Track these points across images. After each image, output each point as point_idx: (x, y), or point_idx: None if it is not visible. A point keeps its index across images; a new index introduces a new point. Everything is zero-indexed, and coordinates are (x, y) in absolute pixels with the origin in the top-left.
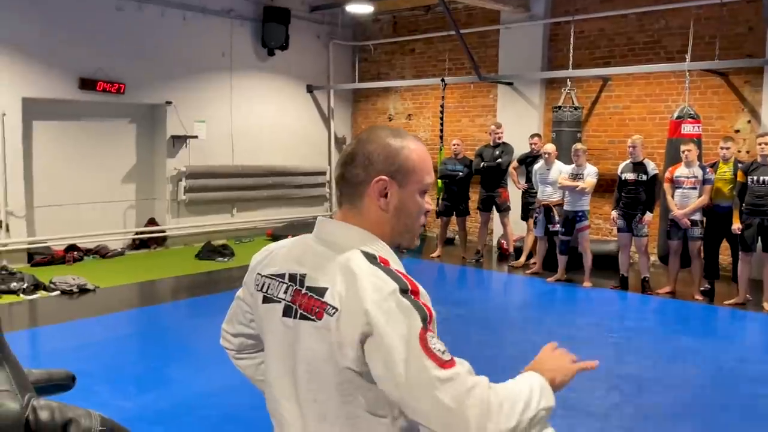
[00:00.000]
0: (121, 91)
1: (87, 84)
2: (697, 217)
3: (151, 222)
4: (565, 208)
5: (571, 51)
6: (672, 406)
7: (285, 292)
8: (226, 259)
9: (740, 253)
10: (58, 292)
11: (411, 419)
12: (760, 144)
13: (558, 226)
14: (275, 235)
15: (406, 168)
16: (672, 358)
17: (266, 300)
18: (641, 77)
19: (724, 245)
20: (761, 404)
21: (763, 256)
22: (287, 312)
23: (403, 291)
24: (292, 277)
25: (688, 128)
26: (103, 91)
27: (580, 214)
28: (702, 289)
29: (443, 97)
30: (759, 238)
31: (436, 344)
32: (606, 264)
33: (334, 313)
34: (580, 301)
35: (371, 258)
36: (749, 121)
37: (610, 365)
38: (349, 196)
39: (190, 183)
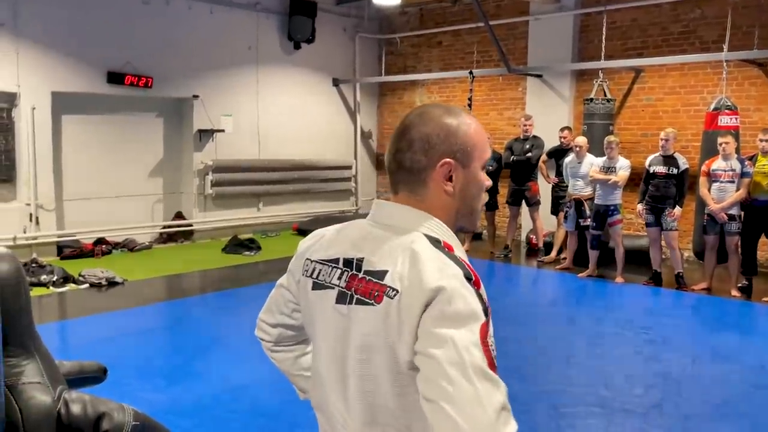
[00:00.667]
0: (149, 85)
1: (115, 78)
2: (734, 211)
3: (178, 216)
4: (596, 201)
5: (603, 42)
6: (714, 405)
7: (339, 278)
8: (252, 253)
9: None
10: (87, 285)
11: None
12: None
13: (589, 220)
14: (301, 229)
15: (468, 146)
16: (711, 356)
17: (317, 286)
18: (675, 68)
19: (763, 240)
20: None
21: None
22: (341, 299)
23: (467, 278)
24: (348, 262)
25: (725, 120)
26: (130, 85)
27: (611, 208)
28: (739, 285)
29: (471, 89)
30: None
31: (493, 345)
32: (638, 259)
33: (394, 295)
34: (613, 297)
35: (435, 242)
36: None
37: (648, 363)
38: (408, 184)
39: (217, 177)
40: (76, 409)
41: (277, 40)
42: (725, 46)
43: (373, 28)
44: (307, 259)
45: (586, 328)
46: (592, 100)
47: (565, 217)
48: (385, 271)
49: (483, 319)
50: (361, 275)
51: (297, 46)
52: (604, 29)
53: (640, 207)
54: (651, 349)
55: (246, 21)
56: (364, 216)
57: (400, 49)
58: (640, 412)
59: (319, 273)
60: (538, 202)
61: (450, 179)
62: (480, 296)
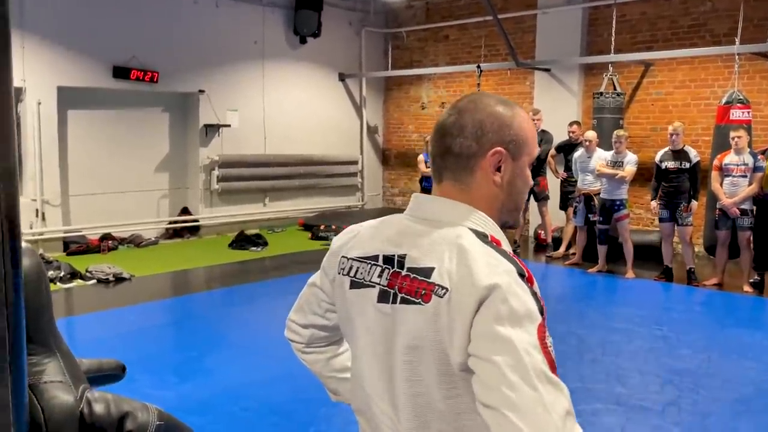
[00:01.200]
0: (155, 79)
1: (120, 72)
2: (746, 206)
3: (184, 211)
4: (602, 196)
5: (613, 35)
6: (732, 402)
7: (380, 276)
8: (259, 249)
9: None
10: (94, 281)
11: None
12: None
13: (598, 215)
14: (307, 224)
15: (520, 139)
16: (726, 353)
17: (355, 285)
18: (685, 62)
19: None
20: None
21: None
22: (383, 297)
23: (521, 275)
24: (388, 259)
25: (737, 114)
26: (136, 79)
27: (618, 203)
28: (751, 280)
29: (479, 84)
30: None
31: (551, 345)
32: (647, 254)
33: (444, 293)
34: (624, 292)
35: (482, 236)
36: None
37: (663, 359)
38: (455, 171)
39: (223, 172)
40: (99, 408)
41: (282, 35)
42: (737, 39)
43: (379, 22)
44: (343, 256)
45: (598, 324)
46: (601, 94)
47: (575, 213)
48: (431, 268)
49: (540, 318)
50: (404, 273)
51: (303, 41)
52: (613, 22)
53: (654, 204)
54: (665, 345)
55: (252, 15)
56: (371, 211)
57: (407, 44)
58: (658, 409)
59: (357, 271)
60: (546, 197)
61: (499, 170)
62: (534, 294)
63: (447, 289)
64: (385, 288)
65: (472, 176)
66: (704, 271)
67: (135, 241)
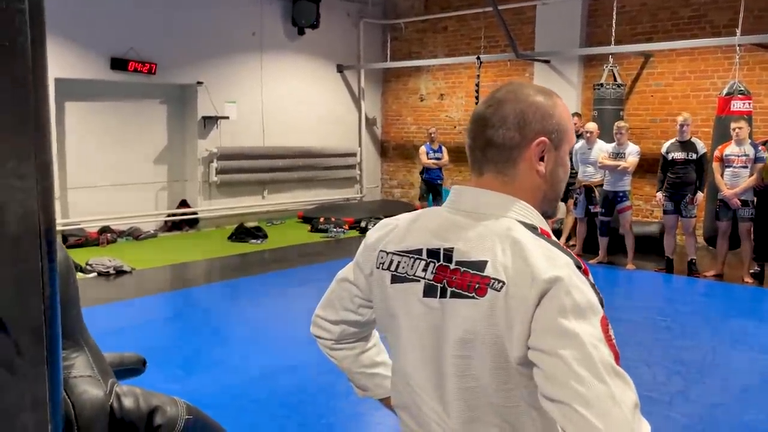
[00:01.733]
0: (153, 71)
1: (118, 64)
2: (747, 197)
3: (183, 204)
4: (605, 188)
5: (613, 26)
6: (741, 391)
7: (424, 270)
8: (259, 242)
9: None
10: (94, 274)
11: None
12: None
13: (599, 207)
14: (306, 217)
15: (562, 128)
16: (731, 343)
17: (397, 279)
18: (685, 53)
19: None
20: None
21: None
22: (430, 292)
23: (578, 267)
24: (433, 253)
25: (738, 105)
26: (134, 71)
27: (620, 194)
28: (752, 271)
29: (478, 75)
30: None
31: (614, 338)
32: (648, 246)
33: (501, 287)
34: (625, 283)
35: (532, 228)
36: None
37: (668, 350)
38: (497, 163)
39: (222, 164)
40: (128, 403)
41: (281, 26)
42: (738, 30)
43: (378, 13)
44: (381, 251)
45: None
46: (602, 85)
47: (575, 204)
48: (484, 261)
49: (601, 311)
50: (453, 266)
51: (301, 32)
52: (613, 13)
53: (659, 195)
54: (669, 336)
55: (250, 6)
56: (369, 203)
57: (405, 35)
58: (666, 400)
59: (398, 265)
60: None
61: (542, 159)
62: (593, 286)
63: (504, 283)
64: (432, 282)
65: (515, 168)
66: (704, 261)
67: (134, 234)
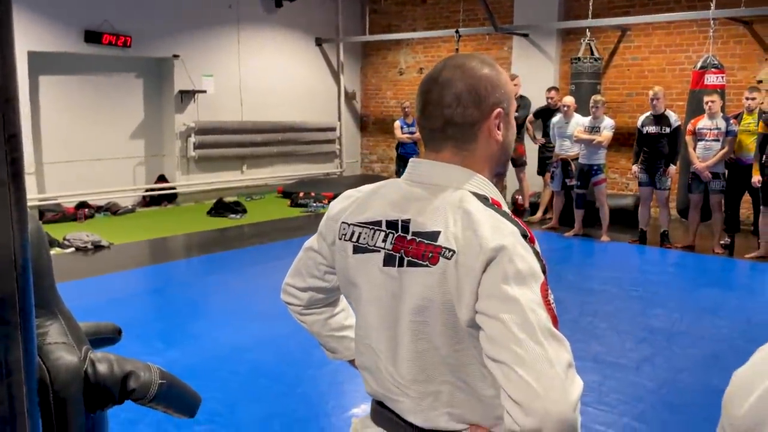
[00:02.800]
0: (127, 44)
1: (92, 37)
2: (718, 169)
3: (161, 179)
4: (581, 161)
5: (591, 0)
6: (705, 358)
7: (384, 240)
8: (238, 216)
9: (762, 206)
10: (72, 249)
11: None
12: None
13: (575, 180)
14: (286, 191)
15: (508, 94)
16: (699, 312)
17: (358, 250)
18: (661, 27)
19: (745, 198)
20: None
21: None
22: (389, 261)
23: (524, 236)
24: (392, 224)
25: (711, 79)
26: (108, 44)
27: (595, 167)
28: (722, 242)
29: (457, 49)
30: None
31: (553, 303)
32: (622, 218)
33: (451, 255)
34: (600, 255)
35: (483, 199)
36: None
37: (638, 318)
38: (458, 140)
39: (200, 139)
40: (102, 368)
41: None
42: (712, 4)
43: None
44: (343, 222)
45: (575, 286)
46: (579, 59)
47: (552, 178)
48: (437, 232)
49: (542, 277)
50: (409, 237)
51: (278, 4)
52: None
53: (635, 168)
54: (640, 306)
55: None
56: (349, 178)
57: (384, 8)
58: (633, 366)
59: (359, 236)
60: (524, 163)
61: (499, 128)
62: (537, 253)
63: (454, 251)
64: (391, 252)
65: (475, 141)
66: (677, 233)
67: (112, 209)
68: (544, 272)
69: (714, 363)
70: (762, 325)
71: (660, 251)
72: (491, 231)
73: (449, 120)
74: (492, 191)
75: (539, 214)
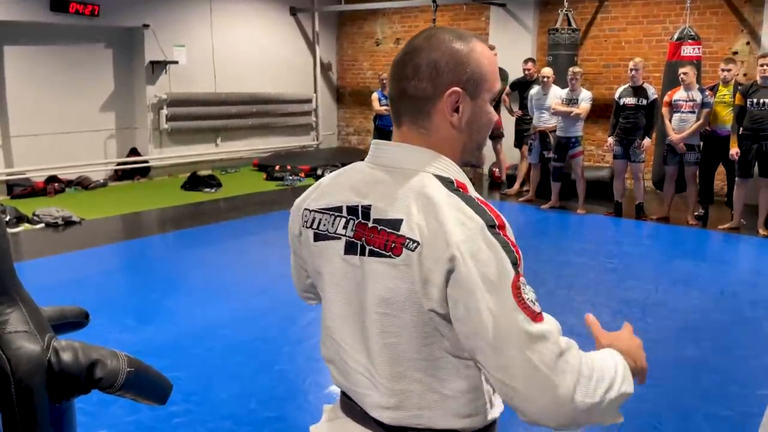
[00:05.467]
0: (95, 13)
1: (58, 5)
2: (693, 141)
3: (133, 152)
4: (558, 134)
5: None
6: (678, 329)
7: (345, 227)
8: (213, 190)
9: (737, 178)
10: (42, 225)
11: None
12: (761, 65)
13: (552, 152)
14: (261, 165)
15: (478, 75)
16: (673, 283)
17: (319, 237)
18: None
19: (719, 170)
20: (765, 326)
21: (758, 180)
22: (350, 249)
23: (490, 226)
24: (353, 210)
25: (688, 50)
26: (75, 13)
27: (573, 140)
28: (696, 214)
29: (434, 19)
30: (756, 163)
31: (528, 293)
32: (599, 190)
33: (415, 247)
34: (576, 227)
35: (447, 183)
36: (748, 43)
37: (613, 290)
38: (412, 115)
39: (172, 111)
40: (67, 357)
41: None
42: None
43: None
44: (305, 209)
45: (551, 259)
46: (557, 30)
47: (530, 150)
48: (399, 220)
49: (512, 273)
50: (371, 224)
51: None
52: None
53: (610, 140)
54: (615, 278)
55: None
56: (326, 150)
57: None
58: None
59: (320, 223)
60: (501, 135)
61: (457, 110)
62: (507, 245)
63: (418, 243)
64: (352, 239)
65: (429, 120)
66: (652, 205)
67: (83, 184)
68: (517, 263)
69: (687, 335)
70: (733, 295)
71: (635, 223)
72: (453, 225)
73: (403, 91)
74: (457, 173)
75: (516, 186)
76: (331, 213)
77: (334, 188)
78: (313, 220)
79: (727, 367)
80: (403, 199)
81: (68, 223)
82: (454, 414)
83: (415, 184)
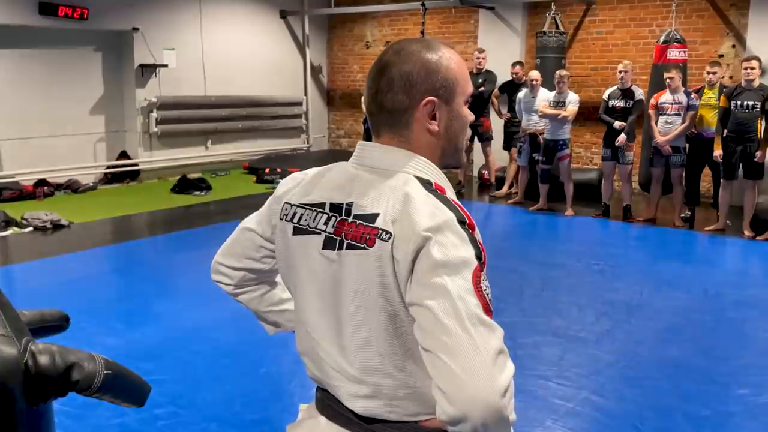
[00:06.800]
0: (84, 16)
1: (47, 9)
2: (679, 143)
3: (123, 155)
4: (546, 136)
5: None
6: (662, 330)
7: (326, 223)
8: (203, 193)
9: (722, 180)
10: (30, 229)
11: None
12: (745, 68)
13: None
14: (252, 167)
15: (450, 81)
16: (658, 284)
17: (299, 231)
18: (625, 1)
19: (705, 172)
20: (748, 327)
21: (743, 182)
22: (329, 244)
23: (461, 222)
24: (336, 207)
25: (674, 53)
26: (65, 16)
27: (560, 142)
28: (682, 215)
29: (423, 22)
30: (741, 164)
31: (486, 288)
32: (586, 193)
33: (388, 238)
34: (564, 229)
35: (426, 184)
36: (733, 46)
37: (598, 292)
38: (391, 126)
39: (162, 114)
40: (44, 360)
41: None
42: None
43: None
44: (286, 202)
45: (538, 261)
46: (545, 33)
47: (519, 152)
48: (376, 214)
49: (475, 263)
50: (351, 220)
51: None
52: None
53: (617, 123)
54: (601, 279)
55: None
56: (317, 153)
57: None
58: (593, 339)
59: (300, 217)
60: (490, 138)
61: (434, 118)
62: (473, 240)
63: (391, 234)
64: (332, 235)
65: (408, 129)
66: (639, 206)
67: (72, 187)
68: (481, 258)
69: (671, 336)
70: (717, 296)
71: (622, 225)
72: (425, 217)
73: (381, 105)
74: (436, 176)
75: (505, 188)
76: (313, 209)
77: (318, 186)
78: (294, 215)
79: (709, 367)
80: (382, 196)
81: (57, 226)
82: (425, 405)
83: (396, 184)
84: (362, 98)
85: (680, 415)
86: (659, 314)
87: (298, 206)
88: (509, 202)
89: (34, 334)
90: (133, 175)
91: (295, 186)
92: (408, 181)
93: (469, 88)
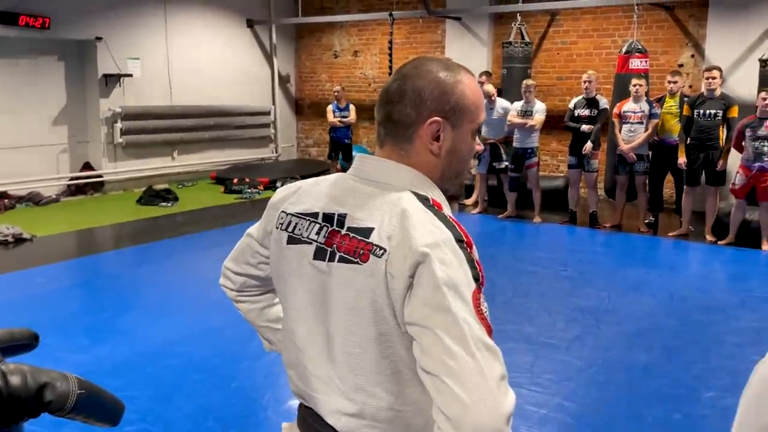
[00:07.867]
0: (46, 25)
1: (7, 18)
2: (642, 151)
3: (87, 167)
4: (515, 145)
5: None
6: (630, 335)
7: (318, 233)
8: (169, 204)
9: (685, 186)
10: None
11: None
12: (707, 78)
13: (505, 163)
14: (219, 177)
15: (461, 107)
16: (625, 290)
17: (292, 240)
18: (589, 12)
19: (668, 178)
20: (711, 330)
21: (705, 188)
22: (319, 255)
23: (459, 241)
24: (328, 217)
25: (636, 63)
26: (26, 25)
27: (529, 151)
28: (647, 221)
29: (392, 32)
30: (703, 171)
31: (486, 310)
32: (554, 200)
33: (382, 254)
34: (532, 236)
35: (423, 200)
36: (693, 56)
37: (568, 299)
38: (395, 138)
39: (127, 125)
40: (15, 380)
41: None
42: None
43: None
44: (282, 211)
45: (508, 268)
46: (510, 43)
47: (479, 161)
48: (371, 229)
49: (474, 285)
50: (344, 232)
51: None
52: None
53: (584, 127)
54: (570, 286)
55: None
56: (285, 162)
57: None
58: (564, 346)
59: (295, 227)
60: None
61: (437, 139)
62: (471, 261)
63: (385, 250)
64: (323, 246)
65: (410, 144)
66: (605, 213)
67: (34, 199)
68: (478, 279)
69: (639, 341)
70: (682, 300)
71: (589, 231)
72: (423, 234)
73: (389, 115)
74: (434, 192)
75: (474, 197)
76: (307, 218)
77: (314, 195)
78: (289, 224)
79: (677, 371)
80: (378, 210)
81: (19, 240)
82: (409, 426)
83: (393, 198)
84: (336, 93)
85: (651, 419)
86: (627, 319)
87: (293, 215)
88: (474, 211)
89: (4, 353)
90: (97, 187)
91: (291, 194)
92: (404, 195)
93: (481, 118)
